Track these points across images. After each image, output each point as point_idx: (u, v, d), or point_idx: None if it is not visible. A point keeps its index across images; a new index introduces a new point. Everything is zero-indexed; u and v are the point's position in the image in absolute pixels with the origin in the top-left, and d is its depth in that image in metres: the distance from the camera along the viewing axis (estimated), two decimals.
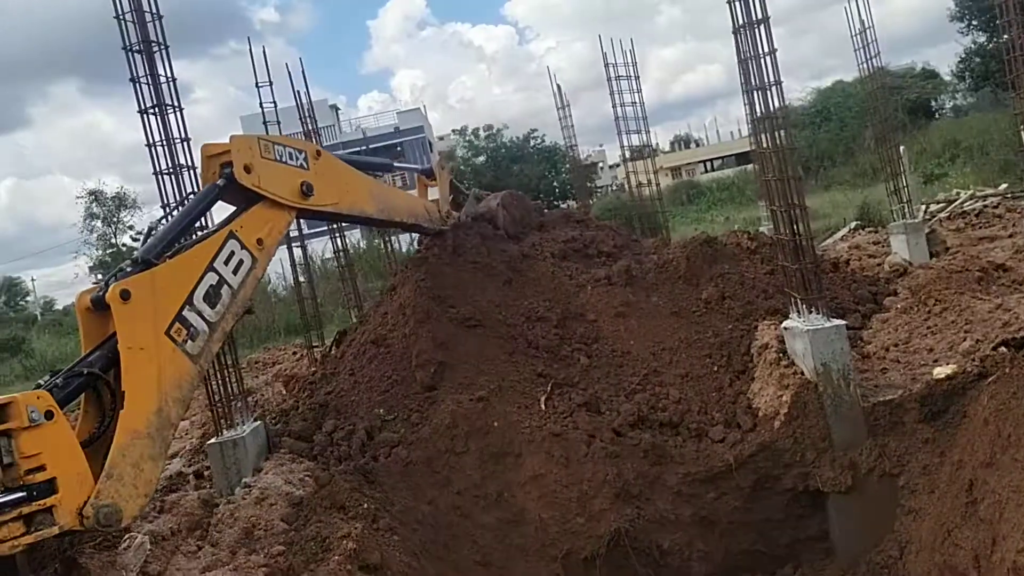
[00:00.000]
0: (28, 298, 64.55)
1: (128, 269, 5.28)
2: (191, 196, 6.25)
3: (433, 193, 9.28)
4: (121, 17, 6.62)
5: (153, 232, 5.84)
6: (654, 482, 6.53)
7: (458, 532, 6.25)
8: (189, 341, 5.31)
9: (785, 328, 6.90)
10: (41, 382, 4.81)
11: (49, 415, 4.47)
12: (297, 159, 6.43)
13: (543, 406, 6.92)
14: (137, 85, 6.73)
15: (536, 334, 7.66)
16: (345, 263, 11.80)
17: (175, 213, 6.08)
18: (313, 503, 5.68)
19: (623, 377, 7.49)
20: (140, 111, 6.79)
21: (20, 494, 4.43)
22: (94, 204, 49.72)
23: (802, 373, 6.59)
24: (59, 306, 57.44)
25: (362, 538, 5.00)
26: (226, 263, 5.70)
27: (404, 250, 19.36)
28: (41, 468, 4.42)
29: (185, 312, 5.34)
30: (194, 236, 5.93)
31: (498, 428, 6.72)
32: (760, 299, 8.04)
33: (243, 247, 5.85)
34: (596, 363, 7.61)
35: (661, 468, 6.57)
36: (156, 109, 6.83)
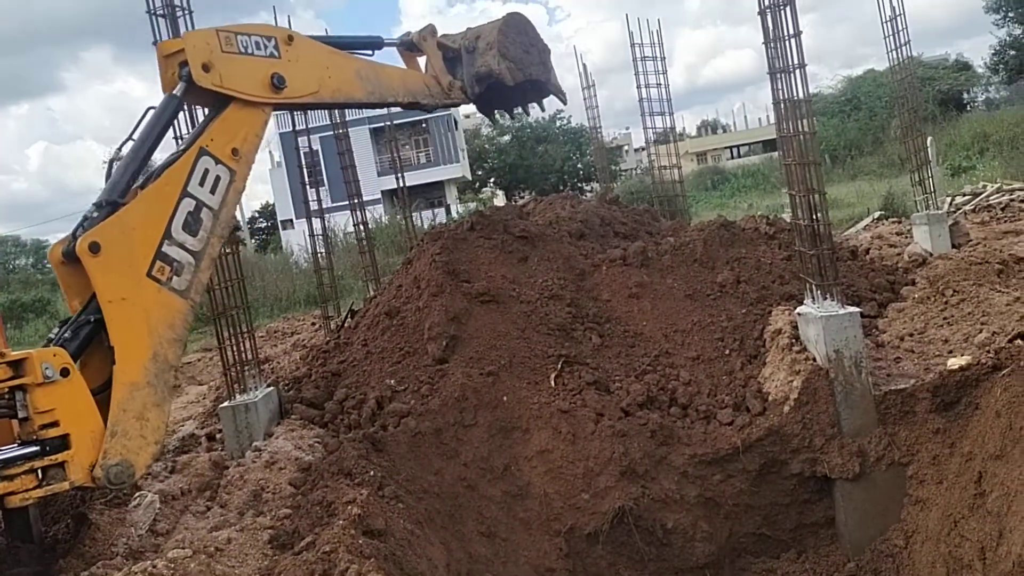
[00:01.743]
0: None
1: (95, 215, 4.97)
2: (149, 111, 5.52)
3: (425, 67, 8.06)
4: None
5: (115, 166, 5.32)
6: (660, 462, 6.54)
7: (463, 503, 6.31)
8: (175, 277, 5.06)
9: (799, 314, 6.87)
10: (52, 335, 4.88)
11: (65, 372, 4.55)
12: (266, 48, 5.83)
13: (552, 383, 6.95)
14: None
15: (549, 311, 7.67)
16: (365, 236, 11.85)
17: (135, 137, 5.43)
18: (321, 468, 5.75)
19: (634, 357, 7.49)
20: (200, 104, 6.82)
21: (33, 448, 4.53)
22: None
23: (814, 359, 6.56)
24: None
25: (367, 504, 5.06)
26: (201, 184, 5.28)
27: (424, 226, 19.42)
28: (55, 424, 4.52)
29: (165, 247, 5.04)
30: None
31: (507, 403, 6.77)
32: (776, 284, 8.00)
33: (217, 162, 5.39)
34: (608, 342, 7.61)
35: (668, 448, 6.58)
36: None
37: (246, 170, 5.60)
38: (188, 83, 5.39)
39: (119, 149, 5.35)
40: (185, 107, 6.49)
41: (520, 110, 8.60)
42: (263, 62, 5.76)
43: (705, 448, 6.55)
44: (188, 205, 5.17)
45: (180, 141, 6.23)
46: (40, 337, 22.76)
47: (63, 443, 4.56)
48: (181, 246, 5.10)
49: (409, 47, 7.67)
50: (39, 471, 4.52)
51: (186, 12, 6.81)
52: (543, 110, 8.77)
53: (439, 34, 7.74)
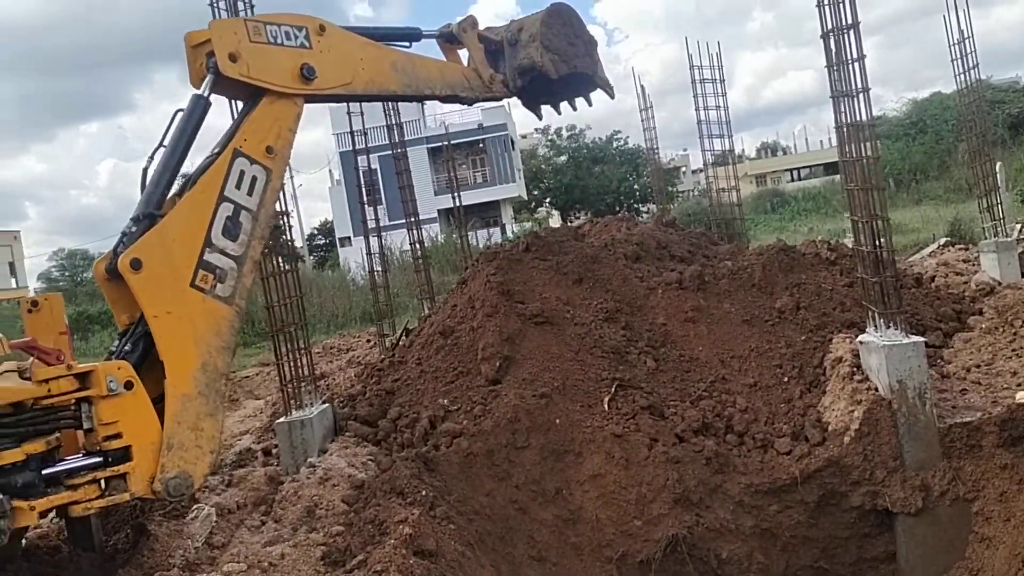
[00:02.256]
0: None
1: (133, 230, 4.92)
2: (178, 115, 5.34)
3: (466, 59, 7.67)
4: (215, 5, 6.83)
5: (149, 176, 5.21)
6: (715, 490, 6.44)
7: (514, 526, 6.27)
8: (218, 284, 4.98)
9: (861, 342, 6.72)
10: (113, 348, 4.97)
11: (129, 385, 4.63)
12: (296, 38, 5.65)
13: (606, 406, 6.89)
14: None
15: (603, 334, 7.62)
16: (421, 255, 11.95)
17: (166, 143, 5.27)
18: (374, 487, 5.78)
19: (689, 383, 7.40)
20: (230, 96, 6.99)
21: (97, 459, 4.63)
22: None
23: (876, 389, 6.40)
24: None
25: (419, 524, 5.07)
26: (238, 186, 5.16)
27: (480, 245, 19.52)
28: (118, 436, 4.60)
29: (206, 256, 4.97)
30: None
31: (560, 425, 6.73)
32: (836, 311, 7.84)
33: (252, 162, 5.26)
34: (663, 367, 7.53)
35: (723, 477, 6.47)
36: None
37: (282, 167, 5.48)
38: (216, 75, 5.26)
39: (151, 157, 5.19)
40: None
41: (567, 105, 8.23)
42: (292, 52, 5.59)
43: (762, 477, 6.42)
44: (226, 210, 5.09)
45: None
46: (105, 348, 23.40)
47: (125, 455, 4.64)
48: (223, 252, 5.03)
49: (449, 39, 7.40)
50: (102, 482, 4.62)
51: (249, 8, 6.93)
52: (590, 104, 8.36)
53: (480, 26, 7.48)
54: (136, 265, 4.71)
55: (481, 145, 53.19)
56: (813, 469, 6.35)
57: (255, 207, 5.21)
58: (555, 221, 54.65)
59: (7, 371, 4.86)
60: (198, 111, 5.29)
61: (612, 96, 8.41)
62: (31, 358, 4.79)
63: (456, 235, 20.37)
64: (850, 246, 8.75)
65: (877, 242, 6.63)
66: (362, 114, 10.84)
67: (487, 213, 51.60)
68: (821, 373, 7.16)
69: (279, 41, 5.53)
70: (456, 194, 13.65)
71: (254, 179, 5.23)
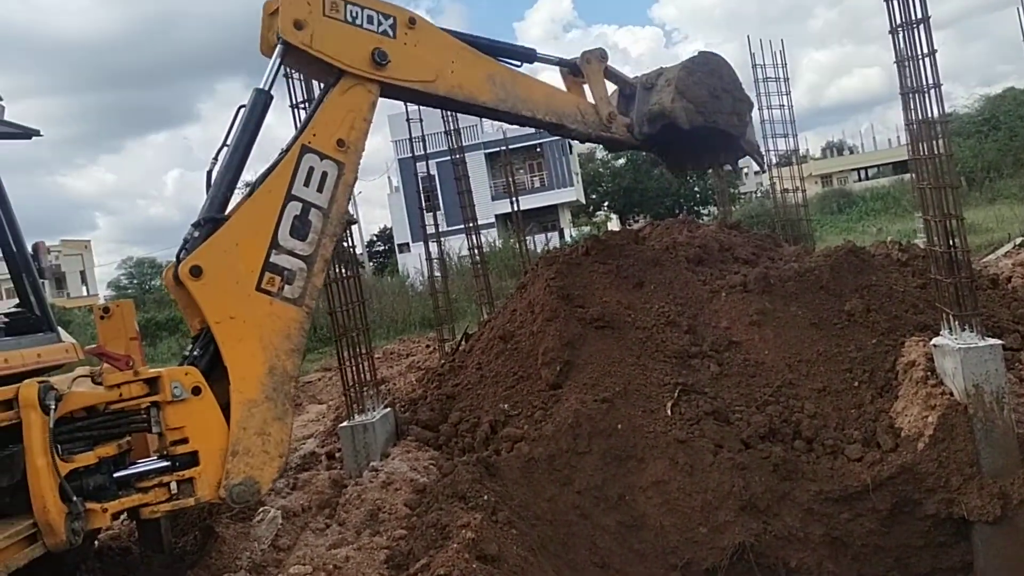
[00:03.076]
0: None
1: (195, 235, 4.82)
2: (241, 110, 5.16)
3: (590, 95, 7.14)
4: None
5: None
6: (783, 498, 6.28)
7: (576, 531, 6.21)
8: (286, 286, 4.83)
9: (935, 345, 6.50)
10: (186, 352, 5.02)
11: (196, 391, 4.64)
12: (379, 24, 5.42)
13: (669, 412, 6.78)
14: (290, 80, 7.05)
15: (665, 338, 7.52)
16: (479, 260, 11.98)
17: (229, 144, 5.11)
18: (435, 491, 5.79)
19: (755, 388, 7.24)
20: (292, 105, 7.12)
21: (165, 463, 4.69)
22: None
23: (951, 394, 6.18)
24: None
25: (481, 529, 5.05)
26: (307, 184, 4.98)
27: (538, 250, 19.49)
28: (184, 441, 4.63)
29: (273, 258, 4.82)
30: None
31: (622, 431, 6.64)
32: (909, 313, 7.59)
33: (323, 157, 5.07)
34: (727, 371, 7.38)
35: (791, 484, 6.32)
36: (306, 104, 7.13)
37: (356, 160, 5.22)
38: (284, 45, 5.09)
39: (215, 158, 5.05)
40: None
41: (708, 168, 7.61)
42: (367, 35, 5.35)
43: (832, 485, 6.25)
44: (294, 209, 4.92)
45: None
46: (173, 355, 24.09)
47: (192, 459, 4.66)
48: (290, 253, 4.87)
49: (573, 70, 6.92)
50: (172, 485, 4.69)
51: None
52: (733, 168, 8.00)
53: (608, 60, 6.98)
54: (196, 272, 4.65)
55: (539, 149, 53.15)
56: (885, 476, 6.15)
57: (326, 204, 5.02)
58: (614, 225, 54.32)
59: (80, 376, 5.00)
60: (259, 106, 5.13)
61: (762, 167, 7.94)
62: (102, 363, 4.89)
63: (514, 240, 20.38)
64: (922, 247, 8.49)
65: (951, 242, 6.41)
66: (421, 120, 10.93)
67: (545, 218, 51.60)
68: (893, 377, 6.94)
69: (357, 22, 5.31)
70: (514, 199, 13.67)
71: (324, 175, 5.04)
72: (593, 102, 6.84)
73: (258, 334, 4.74)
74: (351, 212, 5.43)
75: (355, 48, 5.28)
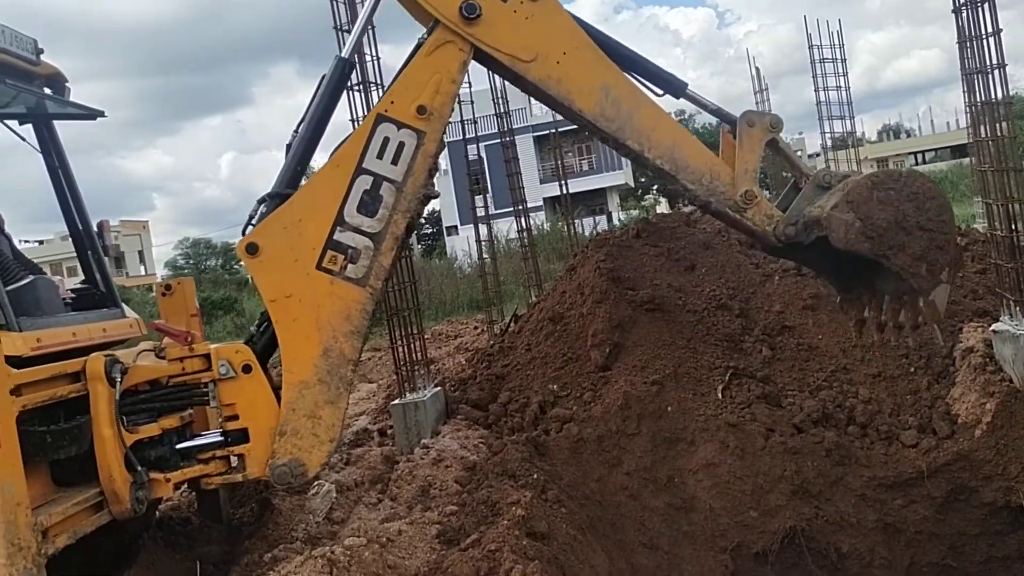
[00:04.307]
0: (242, 263, 70.41)
1: (262, 210, 4.69)
2: (323, 81, 4.90)
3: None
4: (335, 2, 7.03)
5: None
6: (836, 483, 6.23)
7: (625, 512, 6.24)
8: (349, 265, 4.57)
9: (994, 331, 6.36)
10: (252, 330, 5.09)
11: (247, 369, 4.66)
12: None
13: (720, 395, 6.75)
14: None
15: (716, 321, 7.47)
16: (528, 243, 12.01)
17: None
18: (486, 469, 5.86)
19: (808, 372, 7.16)
20: (346, 88, 7.19)
21: (219, 438, 4.78)
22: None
23: (1010, 381, 6.05)
24: None
25: (531, 506, 5.11)
26: (380, 155, 4.62)
27: (586, 233, 19.46)
28: (235, 417, 4.70)
29: (337, 235, 4.57)
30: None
31: (672, 413, 6.63)
32: (967, 299, 7.44)
33: (400, 126, 4.66)
34: (779, 355, 7.32)
35: (844, 469, 6.26)
36: (360, 87, 7.21)
37: (439, 128, 4.75)
38: None
39: (295, 131, 4.89)
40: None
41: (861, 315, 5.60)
42: None
43: (886, 471, 6.18)
44: (364, 183, 4.60)
45: None
46: (228, 333, 24.62)
47: (243, 436, 4.71)
48: (356, 230, 4.59)
49: (732, 125, 5.35)
50: (230, 459, 4.77)
51: (369, 27, 7.15)
52: (898, 329, 5.39)
53: (781, 130, 5.42)
54: (252, 250, 4.56)
55: (587, 133, 52.84)
56: (941, 463, 6.07)
57: (400, 177, 4.64)
58: (663, 209, 53.91)
59: (144, 350, 5.15)
60: (337, 74, 4.88)
61: (942, 345, 6.36)
62: (164, 338, 5.03)
63: (562, 223, 20.34)
64: (982, 231, 8.30)
65: (1013, 226, 6.26)
66: (472, 103, 10.96)
67: (593, 201, 51.33)
68: (950, 363, 6.81)
69: None
70: (563, 182, 13.65)
71: (401, 145, 4.65)
72: (735, 170, 5.27)
73: (315, 314, 4.57)
74: (433, 185, 4.86)
75: None
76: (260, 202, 4.77)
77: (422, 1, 4.69)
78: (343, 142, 4.78)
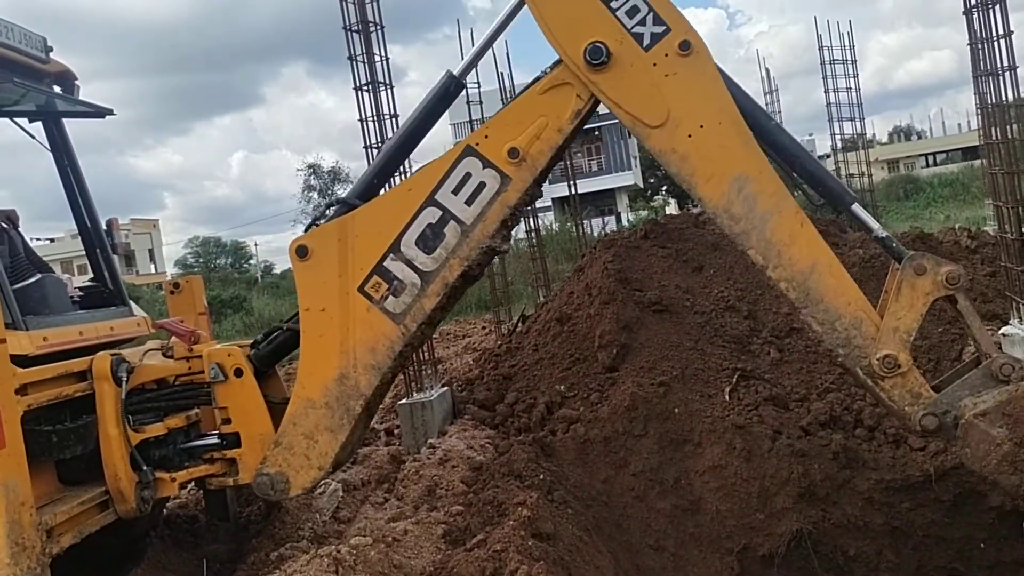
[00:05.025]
0: (251, 261, 70.60)
1: (328, 213, 4.50)
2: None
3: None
4: (344, 3, 7.05)
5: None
6: (843, 486, 6.20)
7: (631, 513, 6.23)
8: (390, 297, 4.24)
9: (1003, 334, 6.33)
10: (259, 337, 5.03)
11: (238, 373, 4.56)
12: (642, 24, 3.98)
13: (727, 397, 6.74)
14: (354, 63, 7.16)
15: (724, 323, 7.46)
16: (536, 243, 12.00)
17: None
18: (492, 469, 5.86)
19: (816, 374, 7.15)
20: (355, 87, 7.22)
21: (215, 440, 4.75)
22: (312, 177, 53.80)
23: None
24: (277, 270, 62.59)
25: (537, 507, 5.09)
26: (455, 192, 4.18)
27: (595, 234, 19.43)
28: (228, 421, 4.62)
29: (388, 262, 4.23)
30: None
31: (679, 415, 6.62)
32: (977, 302, 7.40)
33: (486, 165, 4.16)
34: (787, 357, 7.31)
35: (852, 472, 6.23)
36: (370, 86, 7.23)
37: (527, 179, 4.18)
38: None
39: (390, 138, 4.57)
40: None
41: None
42: (610, 24, 3.99)
43: (894, 474, 6.15)
44: (431, 215, 4.20)
45: None
46: (237, 332, 24.66)
47: (237, 440, 4.64)
48: (408, 263, 4.23)
49: (898, 260, 4.27)
50: (235, 461, 4.68)
51: (378, 27, 7.17)
52: None
53: (955, 287, 4.12)
54: (302, 252, 4.31)
55: (597, 132, 52.78)
56: (949, 466, 6.03)
57: (471, 220, 4.18)
58: (671, 210, 53.81)
59: (151, 349, 5.15)
60: (441, 90, 4.40)
61: None
62: (172, 336, 5.02)
63: (571, 224, 20.31)
64: (992, 234, 8.26)
65: (1023, 229, 6.23)
66: (481, 103, 10.95)
67: (602, 201, 51.28)
68: (959, 367, 6.77)
69: (614, 6, 3.98)
70: (572, 182, 13.63)
71: (481, 185, 4.17)
72: (878, 325, 4.16)
73: (342, 336, 4.30)
74: (504, 241, 4.30)
75: (585, 32, 4.01)
76: (329, 205, 4.58)
77: (547, 33, 4.09)
78: (426, 165, 4.39)
